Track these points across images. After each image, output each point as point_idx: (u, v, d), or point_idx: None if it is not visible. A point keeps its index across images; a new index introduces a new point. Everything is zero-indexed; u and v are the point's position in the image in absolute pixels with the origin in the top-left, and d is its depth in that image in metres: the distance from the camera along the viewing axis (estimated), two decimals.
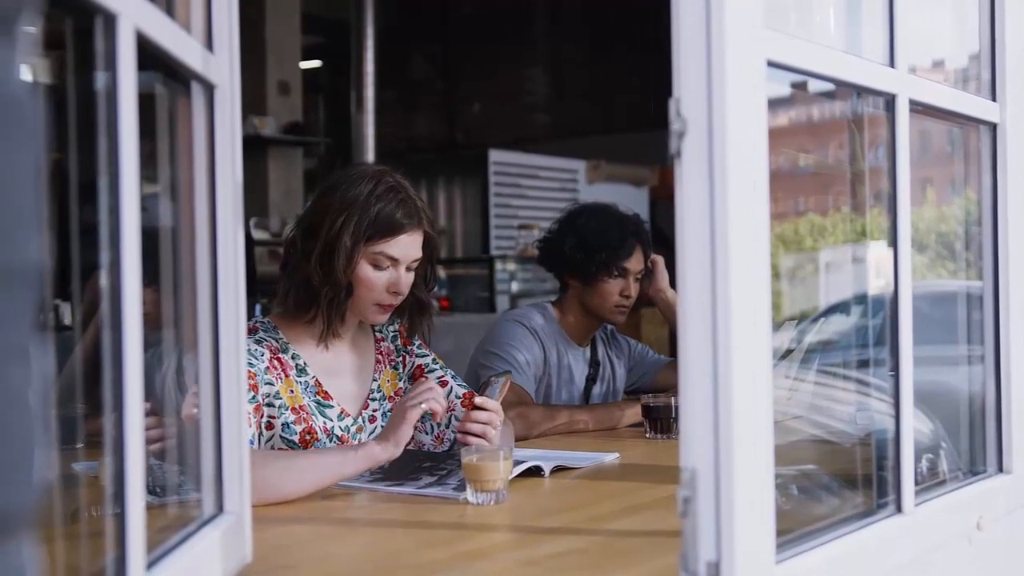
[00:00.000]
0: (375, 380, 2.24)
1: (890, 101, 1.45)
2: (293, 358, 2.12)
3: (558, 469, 2.09)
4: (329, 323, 2.12)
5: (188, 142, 1.29)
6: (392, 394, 2.26)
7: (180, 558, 1.14)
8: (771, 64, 1.19)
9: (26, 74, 0.56)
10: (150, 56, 1.06)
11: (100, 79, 0.97)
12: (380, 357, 2.27)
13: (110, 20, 0.95)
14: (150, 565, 1.04)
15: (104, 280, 0.97)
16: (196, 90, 1.28)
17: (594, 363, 3.04)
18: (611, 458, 2.26)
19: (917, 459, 1.53)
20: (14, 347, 0.52)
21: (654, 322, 6.10)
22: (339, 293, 2.08)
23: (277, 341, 2.12)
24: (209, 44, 1.30)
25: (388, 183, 2.09)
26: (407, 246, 2.10)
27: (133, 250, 0.98)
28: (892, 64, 1.45)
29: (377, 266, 2.09)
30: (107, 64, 0.96)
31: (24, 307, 0.53)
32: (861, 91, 1.50)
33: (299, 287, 2.10)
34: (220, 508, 1.32)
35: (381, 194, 2.07)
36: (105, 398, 0.97)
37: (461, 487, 1.84)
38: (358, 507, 1.87)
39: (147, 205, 1.04)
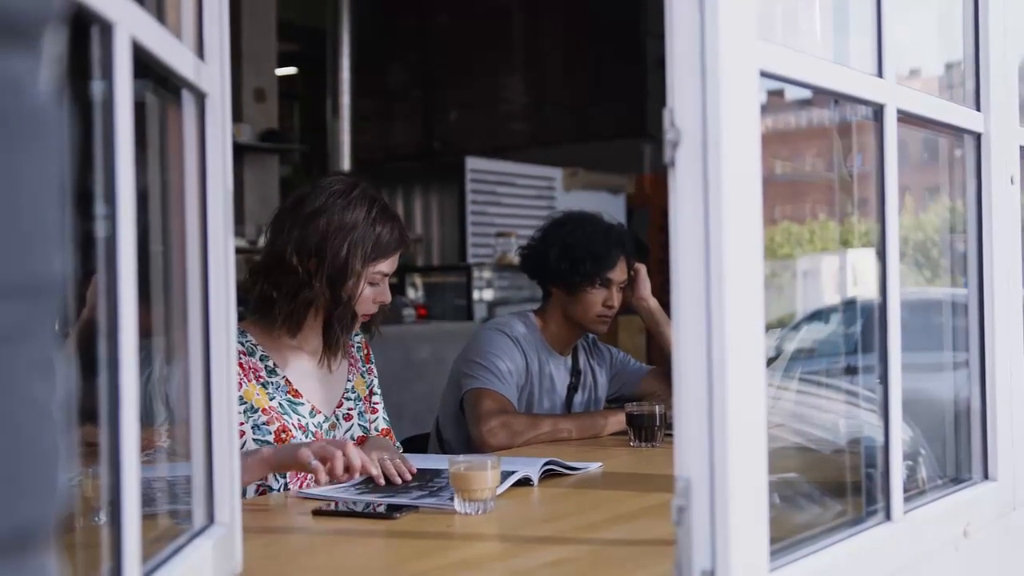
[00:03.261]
0: (349, 380, 2.31)
1: (878, 111, 1.46)
2: (262, 360, 2.17)
3: (548, 473, 2.09)
4: (338, 341, 2.20)
5: (178, 150, 1.29)
6: (363, 397, 2.33)
7: (172, 570, 1.13)
8: (764, 74, 1.20)
9: (49, 86, 0.56)
10: (143, 64, 1.06)
11: (96, 87, 0.96)
12: (352, 360, 2.34)
13: (107, 29, 0.95)
14: None
15: (99, 288, 0.96)
16: (187, 98, 1.28)
17: (575, 372, 3.03)
18: (595, 467, 2.26)
19: None
20: (39, 360, 0.51)
21: (631, 330, 6.11)
22: (348, 313, 2.16)
23: (243, 344, 2.15)
24: (200, 53, 1.29)
25: (380, 204, 2.20)
26: (396, 261, 2.22)
27: (128, 258, 0.97)
28: (880, 74, 1.46)
29: (372, 283, 2.19)
30: (103, 72, 0.96)
31: (48, 320, 0.52)
32: (851, 101, 1.51)
33: (301, 306, 2.15)
34: (211, 519, 1.31)
35: (377, 217, 2.17)
36: (100, 409, 0.96)
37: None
38: (348, 519, 1.86)
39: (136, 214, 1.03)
